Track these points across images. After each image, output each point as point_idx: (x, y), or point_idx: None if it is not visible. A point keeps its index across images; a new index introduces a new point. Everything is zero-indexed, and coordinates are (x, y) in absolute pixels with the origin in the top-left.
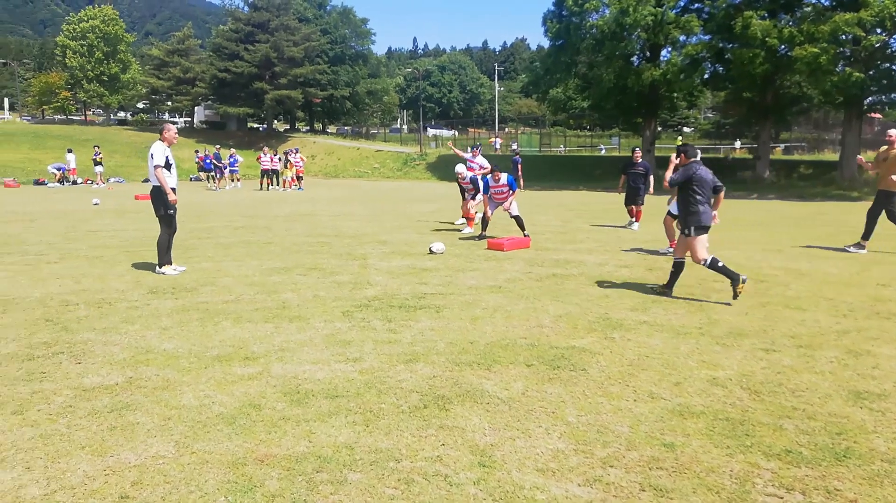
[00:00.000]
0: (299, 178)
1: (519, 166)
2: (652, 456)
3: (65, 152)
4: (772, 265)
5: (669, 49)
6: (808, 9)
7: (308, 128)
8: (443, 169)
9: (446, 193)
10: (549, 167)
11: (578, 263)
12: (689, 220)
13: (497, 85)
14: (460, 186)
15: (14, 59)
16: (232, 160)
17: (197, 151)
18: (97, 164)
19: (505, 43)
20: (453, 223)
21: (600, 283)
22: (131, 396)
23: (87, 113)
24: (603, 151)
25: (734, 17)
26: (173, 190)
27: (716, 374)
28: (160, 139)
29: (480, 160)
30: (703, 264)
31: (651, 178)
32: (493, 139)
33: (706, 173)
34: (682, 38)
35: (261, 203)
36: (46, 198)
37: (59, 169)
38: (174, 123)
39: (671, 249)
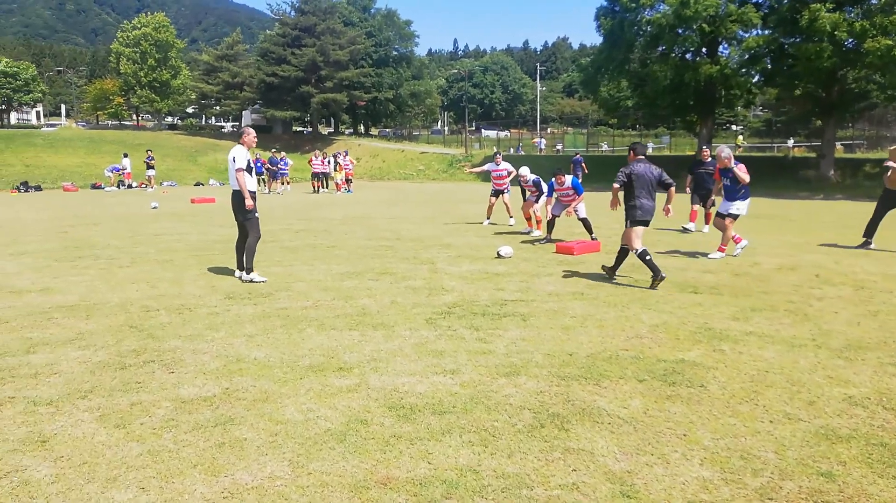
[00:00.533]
0: (348, 181)
1: (582, 165)
2: (812, 487)
3: (119, 156)
4: (866, 270)
5: (726, 45)
6: (876, 1)
7: (351, 130)
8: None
9: (483, 195)
10: (598, 167)
11: (663, 268)
12: (628, 213)
13: (539, 85)
14: (522, 189)
15: (68, 66)
16: (283, 163)
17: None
18: (150, 167)
19: (546, 42)
20: (483, 223)
21: (688, 289)
22: (232, 409)
23: (138, 118)
24: (650, 149)
25: (799, 11)
26: (253, 195)
27: (850, 392)
28: (240, 143)
29: (505, 165)
30: (635, 253)
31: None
32: (535, 140)
33: (646, 170)
34: (740, 32)
35: (313, 206)
36: (105, 201)
37: (114, 170)
38: (222, 128)
39: (740, 246)
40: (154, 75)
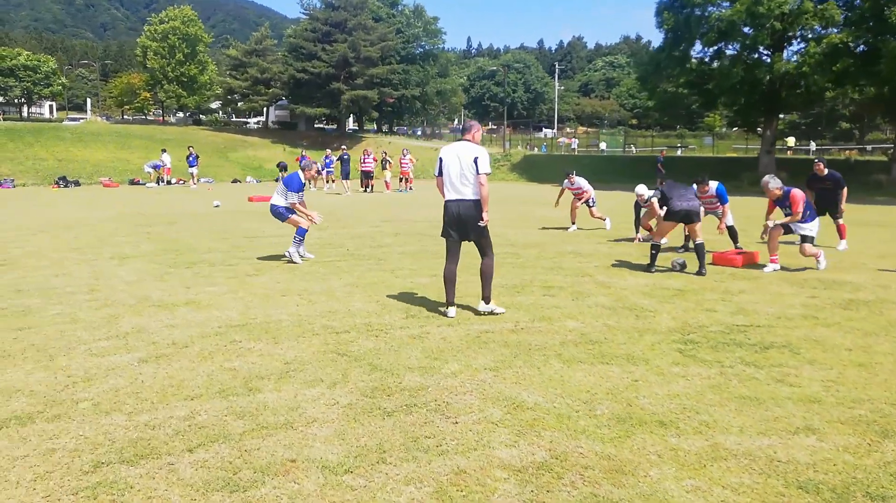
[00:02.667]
0: (404, 180)
1: (660, 166)
2: None
3: (150, 152)
4: None
5: (798, 42)
6: None
7: (375, 128)
8: (529, 170)
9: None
10: (635, 167)
11: (853, 285)
12: None
13: (557, 83)
14: (637, 205)
15: (80, 61)
16: (327, 161)
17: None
18: (191, 164)
19: (562, 42)
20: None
21: None
22: (614, 492)
23: (164, 113)
24: (679, 152)
25: (885, 6)
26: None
27: None
28: (469, 139)
29: (579, 181)
30: None
31: (844, 190)
32: (571, 140)
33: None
34: (818, 28)
35: (379, 206)
36: (158, 199)
37: (154, 167)
38: (246, 124)
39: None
40: (182, 70)
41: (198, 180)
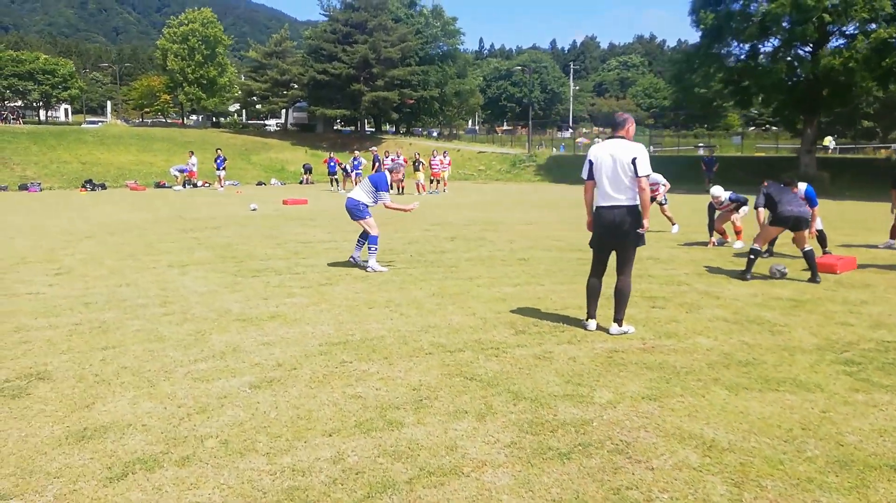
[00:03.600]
0: (436, 182)
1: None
2: None
3: (172, 155)
4: None
5: (836, 38)
6: None
7: (393, 129)
8: (555, 171)
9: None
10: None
11: None
12: None
13: (572, 84)
14: (712, 208)
15: (94, 64)
16: (356, 163)
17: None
18: (220, 167)
19: (574, 42)
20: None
21: None
22: None
23: (183, 116)
24: (701, 151)
25: None
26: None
27: None
28: (622, 135)
29: (655, 177)
30: None
31: None
32: (579, 139)
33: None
34: (871, 25)
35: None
36: (191, 202)
37: (181, 171)
38: (266, 126)
39: None
40: (202, 72)
41: (224, 183)
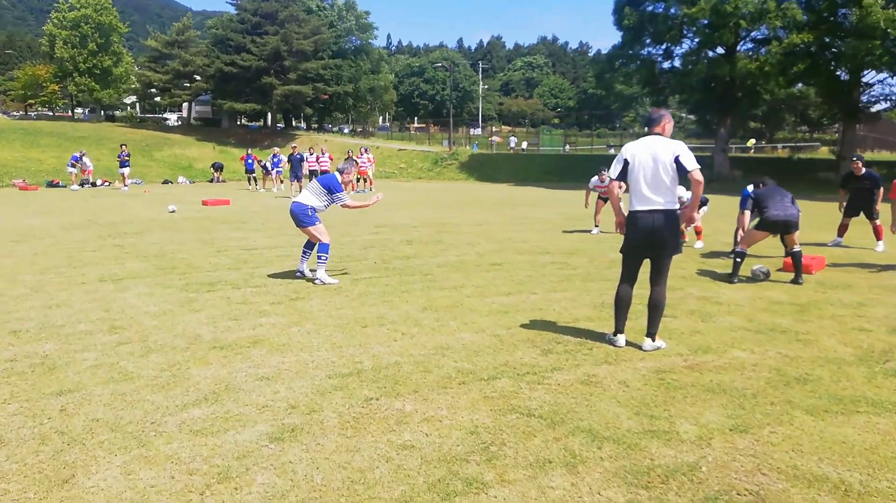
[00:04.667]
0: (363, 180)
1: None
2: None
3: (64, 151)
4: None
5: (746, 42)
6: None
7: (304, 125)
8: (478, 169)
9: (515, 197)
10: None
11: None
12: None
13: (481, 82)
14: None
15: None
16: (275, 160)
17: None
18: (124, 164)
19: (481, 41)
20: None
21: None
22: None
23: (73, 108)
24: (612, 150)
25: (842, 6)
26: None
27: None
28: (657, 131)
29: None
30: None
31: (881, 190)
32: (491, 138)
33: None
34: (781, 31)
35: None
36: (98, 203)
37: (76, 161)
38: (166, 120)
39: None
40: (94, 61)
41: (128, 182)
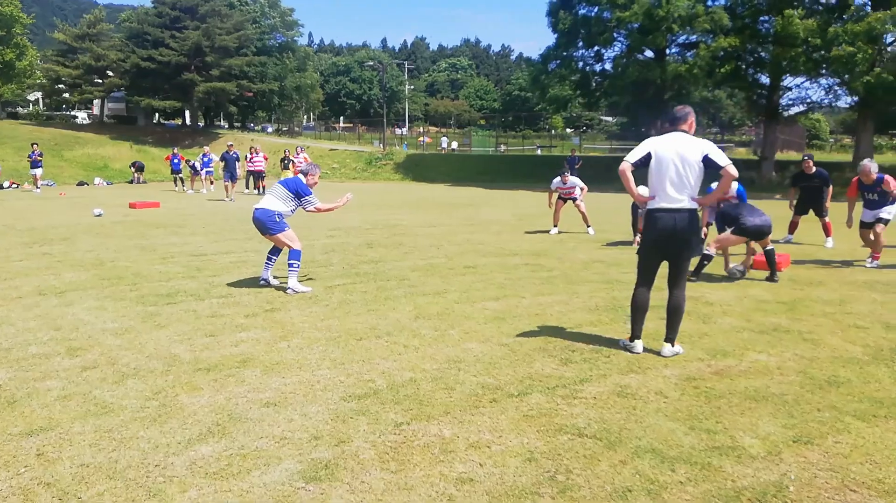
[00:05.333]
0: None
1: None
2: None
3: None
4: None
5: (673, 47)
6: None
7: (226, 124)
8: (414, 169)
9: (456, 197)
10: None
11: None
12: None
13: (408, 83)
14: (635, 207)
15: None
16: (206, 160)
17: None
18: (36, 165)
19: (405, 42)
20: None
21: None
22: None
23: None
24: (538, 151)
25: (764, 13)
26: None
27: None
28: (683, 129)
29: (573, 181)
30: None
31: (830, 188)
32: (442, 138)
33: None
34: (709, 39)
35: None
36: (6, 207)
37: None
38: (75, 118)
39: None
40: None
41: (40, 183)
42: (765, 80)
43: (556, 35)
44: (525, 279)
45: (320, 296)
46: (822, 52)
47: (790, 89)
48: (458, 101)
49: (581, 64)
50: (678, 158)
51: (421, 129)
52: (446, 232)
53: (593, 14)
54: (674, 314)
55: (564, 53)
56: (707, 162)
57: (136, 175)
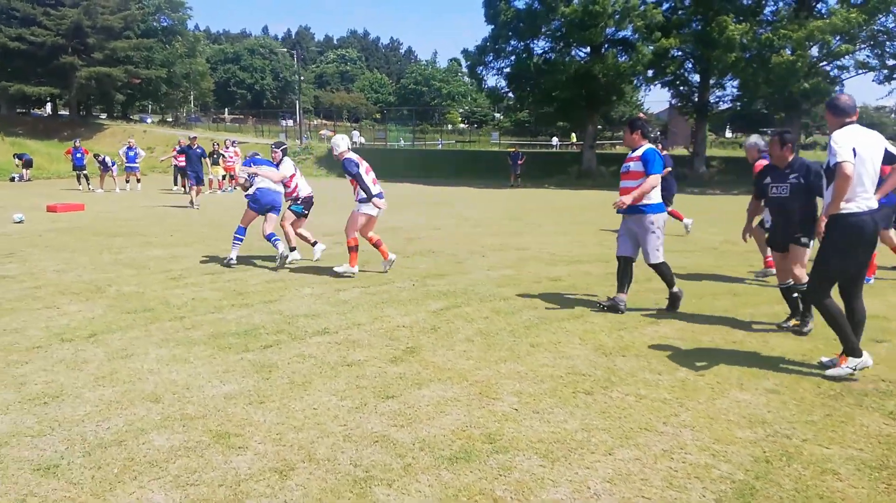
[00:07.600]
0: (229, 177)
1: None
2: None
3: None
4: None
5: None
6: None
7: (105, 115)
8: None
9: (421, 194)
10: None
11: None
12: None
13: (299, 73)
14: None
15: None
16: (131, 154)
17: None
18: None
19: (289, 31)
20: None
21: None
22: None
23: None
24: (439, 146)
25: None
26: None
27: None
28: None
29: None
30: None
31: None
32: (323, 131)
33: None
34: (647, 44)
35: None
36: None
37: None
38: None
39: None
40: None
41: None
42: (695, 78)
43: (492, 27)
44: (637, 295)
45: (458, 327)
46: (764, 54)
47: (724, 86)
48: (355, 94)
49: (514, 58)
50: (876, 153)
51: (313, 122)
52: (458, 236)
53: (524, 7)
54: (863, 324)
55: (497, 45)
56: (886, 154)
57: (23, 171)
